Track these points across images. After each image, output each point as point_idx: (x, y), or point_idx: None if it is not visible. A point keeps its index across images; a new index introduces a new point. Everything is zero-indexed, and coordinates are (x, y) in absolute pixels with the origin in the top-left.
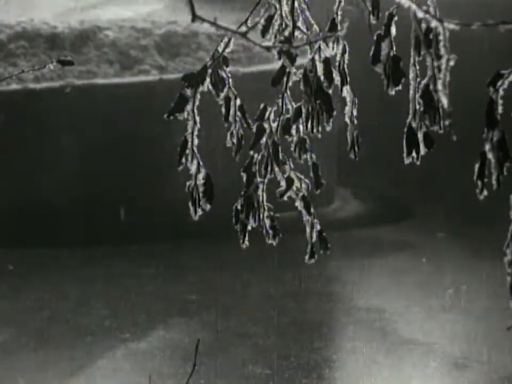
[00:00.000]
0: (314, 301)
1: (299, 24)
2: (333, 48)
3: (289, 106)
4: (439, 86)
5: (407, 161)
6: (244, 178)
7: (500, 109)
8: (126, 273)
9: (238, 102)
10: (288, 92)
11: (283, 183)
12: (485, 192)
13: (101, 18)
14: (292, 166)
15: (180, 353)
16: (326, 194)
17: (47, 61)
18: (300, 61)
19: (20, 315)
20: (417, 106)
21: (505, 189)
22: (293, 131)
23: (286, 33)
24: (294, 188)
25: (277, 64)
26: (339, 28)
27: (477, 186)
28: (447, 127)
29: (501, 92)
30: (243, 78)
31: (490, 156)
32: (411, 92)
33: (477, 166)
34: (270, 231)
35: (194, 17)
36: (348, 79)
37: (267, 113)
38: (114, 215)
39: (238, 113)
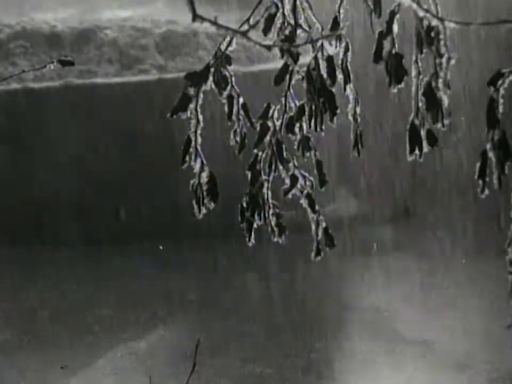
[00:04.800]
0: (314, 301)
1: (301, 22)
2: (336, 46)
3: (293, 105)
4: (440, 85)
5: (409, 158)
6: (249, 177)
7: (500, 108)
8: (126, 272)
9: (241, 100)
10: (292, 90)
11: (287, 181)
12: (486, 191)
13: (100, 17)
14: (296, 163)
15: (180, 353)
16: (326, 193)
17: (47, 61)
18: (302, 59)
19: (20, 314)
20: (420, 104)
21: (506, 188)
22: (296, 129)
23: (288, 31)
24: (299, 186)
25: (278, 63)
26: (341, 26)
27: (478, 185)
28: (447, 126)
29: (502, 91)
30: (243, 78)
31: (491, 155)
32: (413, 89)
33: (478, 165)
34: (276, 229)
35: (195, 17)
36: (351, 77)
37: (271, 111)
38: (115, 214)
39: (241, 111)
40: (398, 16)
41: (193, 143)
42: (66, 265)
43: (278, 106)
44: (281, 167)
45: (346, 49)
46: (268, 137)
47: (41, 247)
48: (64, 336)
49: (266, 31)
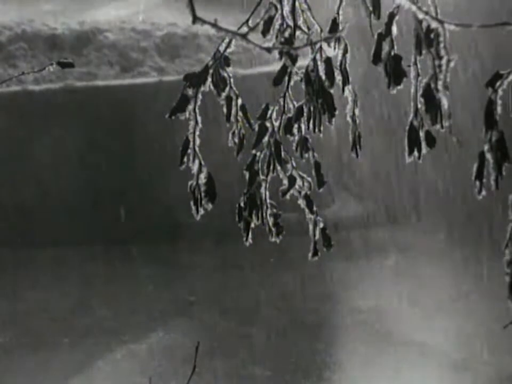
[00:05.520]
0: (314, 302)
1: (300, 23)
2: (335, 48)
3: (291, 106)
4: (439, 87)
5: (408, 160)
6: (247, 177)
7: (498, 109)
8: (126, 273)
9: (240, 101)
10: (290, 91)
11: (285, 182)
12: (483, 192)
13: (100, 19)
14: (294, 164)
15: (180, 355)
16: (326, 195)
17: (47, 63)
18: (300, 62)
19: (20, 315)
20: (419, 105)
21: (505, 190)
22: (295, 130)
23: (287, 33)
24: (297, 187)
25: (277, 66)
26: (340, 28)
27: (475, 186)
28: (447, 128)
29: (500, 92)
30: (243, 80)
31: (488, 156)
32: (412, 90)
33: (475, 166)
34: (274, 229)
35: (195, 19)
36: (350, 78)
37: (269, 112)
38: (114, 215)
39: (240, 113)
40: (397, 17)
41: (191, 144)
42: (65, 267)
43: (277, 107)
44: (279, 168)
45: (345, 51)
46: (266, 138)
47: (40, 248)
48: (64, 337)
49: (265, 33)
